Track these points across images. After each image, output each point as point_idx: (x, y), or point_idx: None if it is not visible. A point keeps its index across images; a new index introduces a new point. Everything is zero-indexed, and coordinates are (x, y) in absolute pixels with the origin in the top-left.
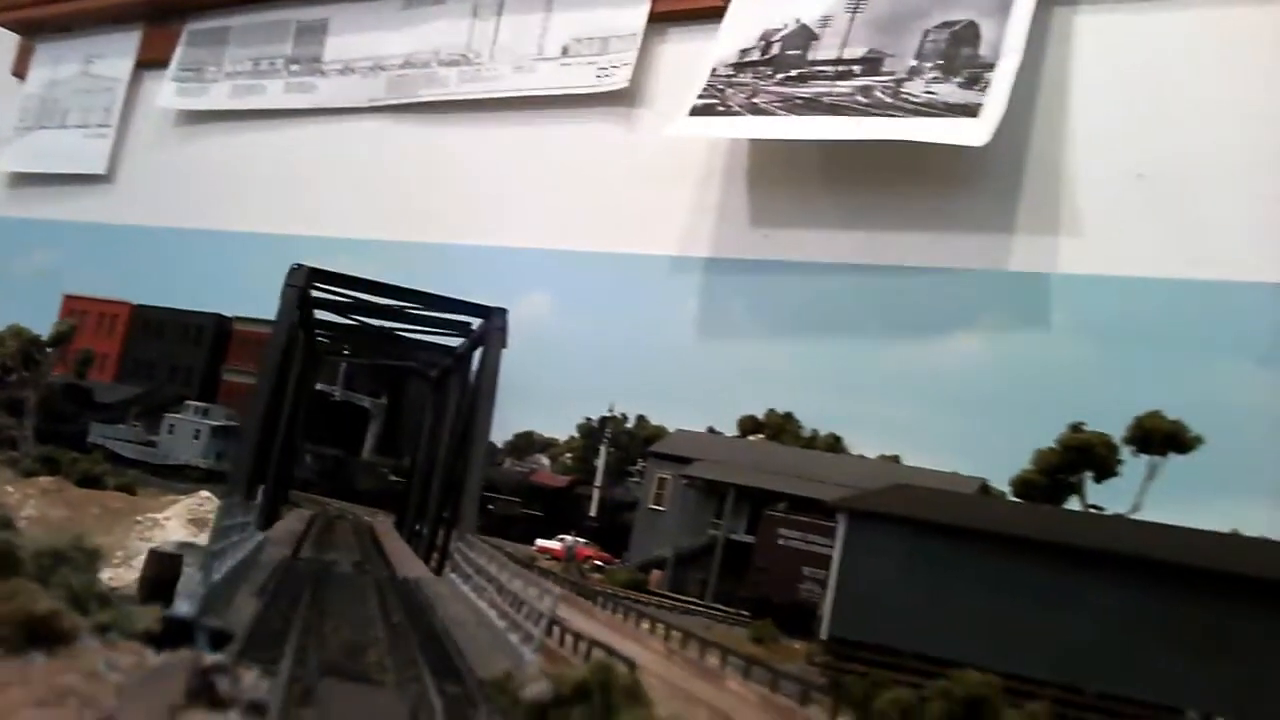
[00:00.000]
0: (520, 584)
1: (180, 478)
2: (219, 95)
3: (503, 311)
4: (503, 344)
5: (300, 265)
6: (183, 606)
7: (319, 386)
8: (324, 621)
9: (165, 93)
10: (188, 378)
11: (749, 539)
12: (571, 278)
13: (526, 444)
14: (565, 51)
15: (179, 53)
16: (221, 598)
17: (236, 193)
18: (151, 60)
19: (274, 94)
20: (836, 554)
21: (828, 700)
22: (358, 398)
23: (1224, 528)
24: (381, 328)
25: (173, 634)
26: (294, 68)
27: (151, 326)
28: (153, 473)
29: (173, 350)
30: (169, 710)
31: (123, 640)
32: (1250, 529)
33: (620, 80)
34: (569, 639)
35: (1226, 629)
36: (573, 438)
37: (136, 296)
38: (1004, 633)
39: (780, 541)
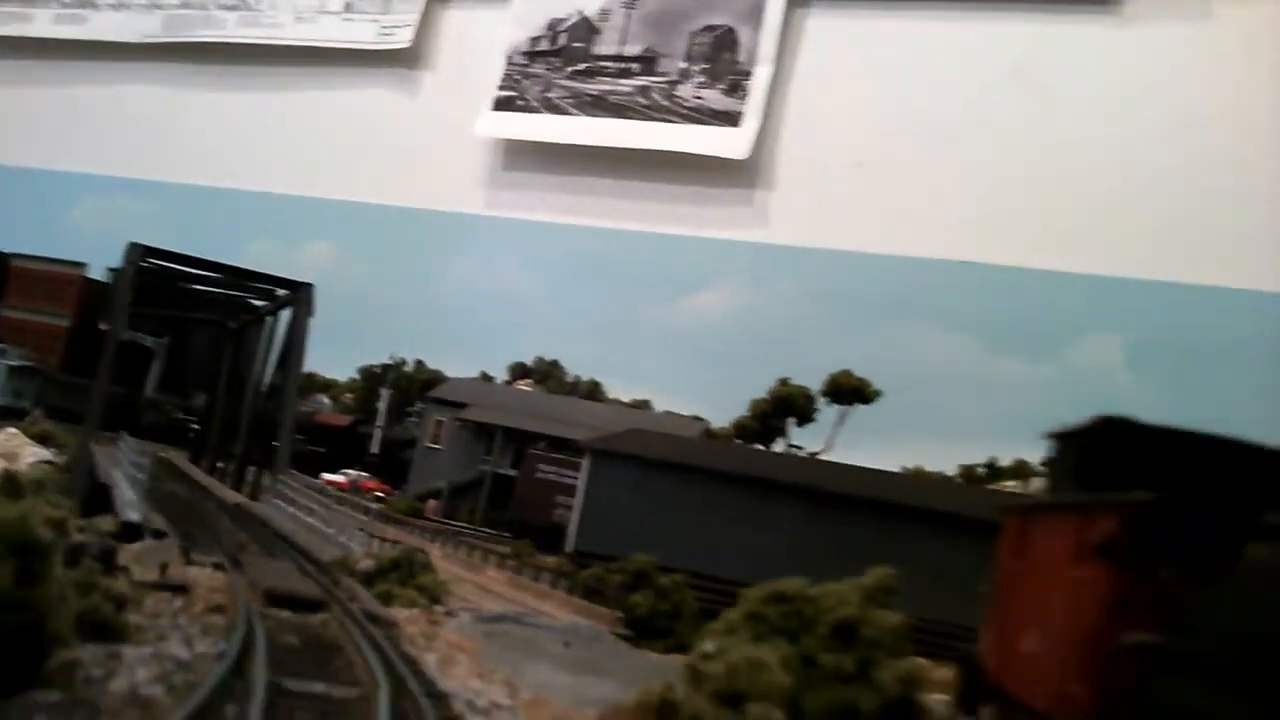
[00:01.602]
0: (337, 505)
1: None
2: None
3: (310, 285)
4: (310, 313)
5: (136, 243)
6: (132, 514)
7: (102, 326)
8: (207, 526)
9: None
10: None
11: (513, 473)
12: (352, 228)
13: (308, 385)
14: (348, 7)
15: None
16: (140, 510)
17: (6, 126)
18: None
19: (42, 23)
20: (581, 485)
21: (550, 576)
22: (140, 337)
23: (908, 464)
24: (187, 288)
25: (129, 533)
26: None
27: None
28: None
29: None
30: (180, 562)
31: (96, 537)
32: (930, 465)
33: (402, 40)
34: (375, 543)
35: (879, 540)
36: (353, 379)
37: None
38: (708, 544)
39: (538, 475)
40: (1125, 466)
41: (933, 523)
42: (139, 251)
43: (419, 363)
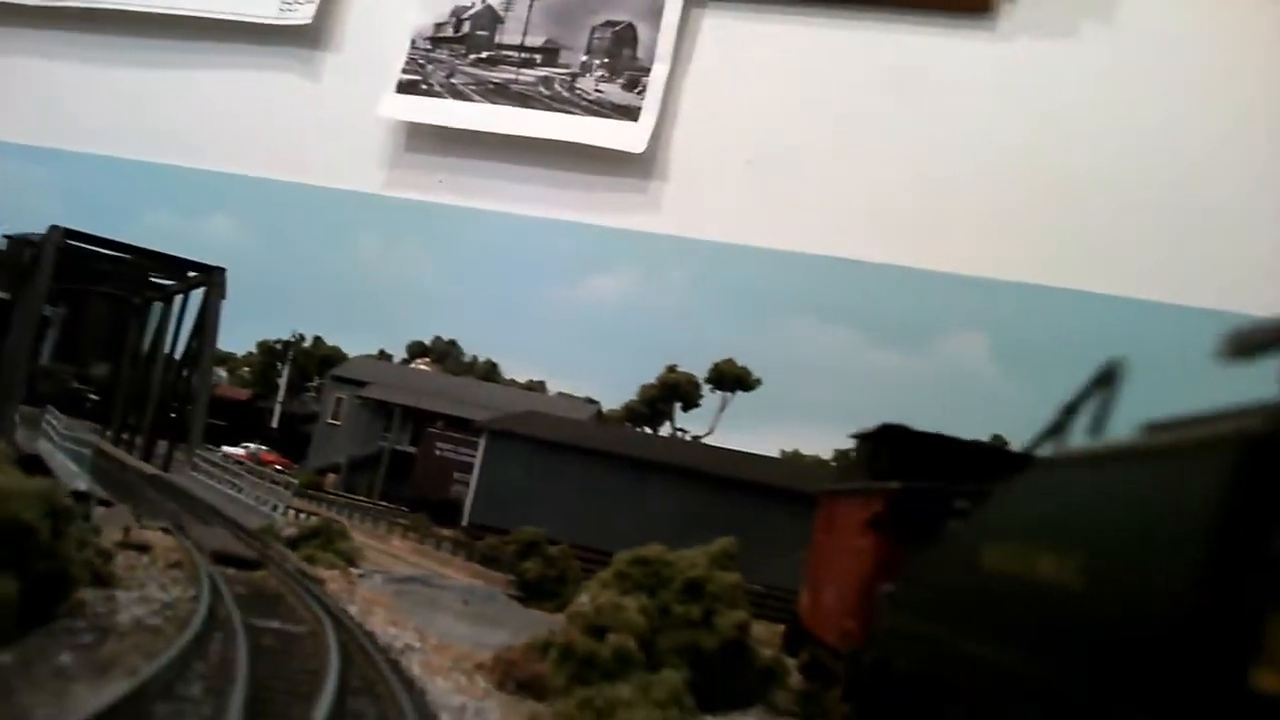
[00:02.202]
0: (256, 478)
1: None
2: None
3: (222, 270)
4: (222, 295)
5: (56, 226)
6: (80, 484)
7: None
8: (140, 495)
9: None
10: None
11: (411, 449)
12: (251, 203)
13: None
14: None
15: None
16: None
17: None
18: None
19: None
20: (478, 463)
21: (450, 545)
22: None
23: (786, 447)
24: (91, 263)
25: (80, 500)
26: None
27: None
28: None
29: None
30: (136, 527)
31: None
32: (806, 449)
33: (303, 16)
34: (292, 514)
35: (747, 515)
36: (250, 354)
37: None
38: (592, 519)
39: (436, 452)
40: (898, 461)
41: (795, 501)
42: (60, 233)
43: (317, 339)
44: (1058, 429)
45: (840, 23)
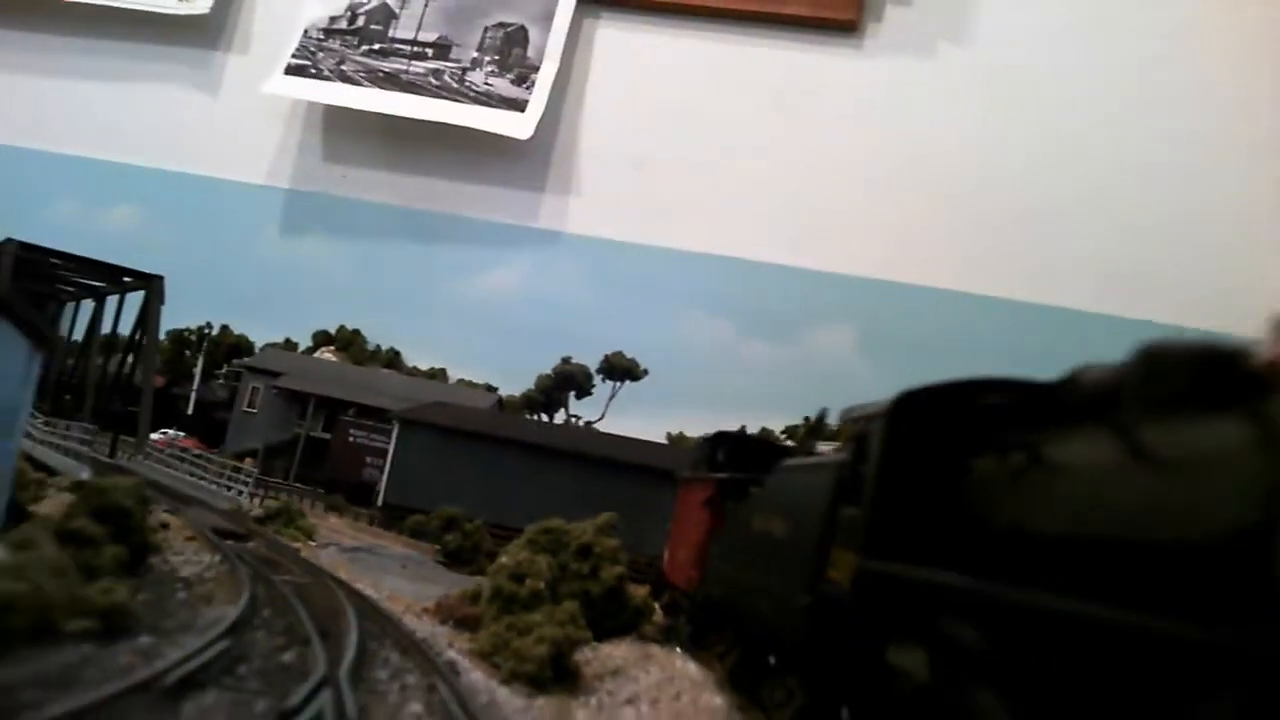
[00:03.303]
0: (214, 464)
1: None
2: None
3: (161, 278)
4: (162, 301)
5: (10, 239)
6: (84, 474)
7: None
8: None
9: None
10: None
11: (325, 435)
12: (156, 194)
13: (115, 345)
14: None
15: None
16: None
17: None
18: None
19: None
20: (391, 449)
21: (380, 522)
22: None
23: (673, 430)
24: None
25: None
26: None
27: None
28: None
29: None
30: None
31: (57, 492)
32: (691, 432)
33: (201, 6)
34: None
35: (634, 494)
36: (159, 342)
37: None
38: (496, 499)
39: (350, 438)
40: (728, 457)
41: (675, 481)
42: (14, 245)
43: (224, 327)
44: (809, 444)
45: (721, 37)
